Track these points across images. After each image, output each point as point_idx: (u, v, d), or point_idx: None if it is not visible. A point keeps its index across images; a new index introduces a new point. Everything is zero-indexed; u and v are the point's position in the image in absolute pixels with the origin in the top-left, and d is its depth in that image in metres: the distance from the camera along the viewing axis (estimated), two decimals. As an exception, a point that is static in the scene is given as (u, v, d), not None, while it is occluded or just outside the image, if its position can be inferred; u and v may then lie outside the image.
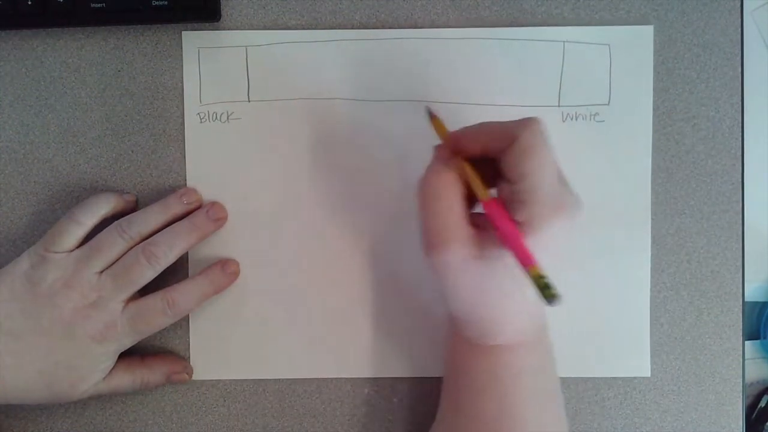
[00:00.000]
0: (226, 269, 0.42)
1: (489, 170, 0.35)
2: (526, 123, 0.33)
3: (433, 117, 0.38)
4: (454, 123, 0.43)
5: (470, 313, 0.36)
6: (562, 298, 0.31)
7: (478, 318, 0.36)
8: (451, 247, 0.34)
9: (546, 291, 0.31)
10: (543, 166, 0.33)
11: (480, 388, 0.37)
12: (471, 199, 0.36)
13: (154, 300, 0.40)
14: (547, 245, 0.33)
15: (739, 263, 0.44)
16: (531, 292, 0.33)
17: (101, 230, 0.40)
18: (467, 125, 0.36)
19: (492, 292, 0.35)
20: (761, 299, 0.57)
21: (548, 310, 0.34)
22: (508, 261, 0.33)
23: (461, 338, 0.37)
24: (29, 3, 0.41)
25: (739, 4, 0.44)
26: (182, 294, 0.40)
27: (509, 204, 0.34)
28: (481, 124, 0.35)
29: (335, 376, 0.44)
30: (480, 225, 0.35)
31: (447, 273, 0.35)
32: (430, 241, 0.35)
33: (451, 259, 0.34)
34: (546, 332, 0.38)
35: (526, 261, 0.32)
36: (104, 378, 0.40)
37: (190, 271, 0.44)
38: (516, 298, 0.35)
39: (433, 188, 0.35)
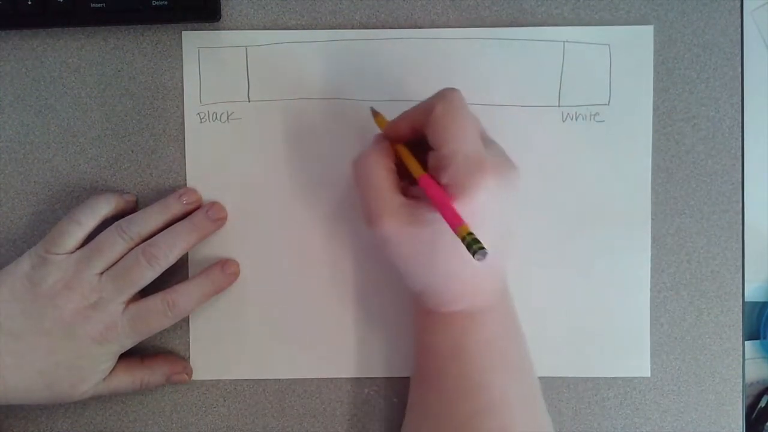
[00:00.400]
0: (226, 269, 0.42)
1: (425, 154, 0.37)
2: (442, 94, 0.36)
3: (375, 115, 0.41)
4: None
5: (421, 283, 0.37)
6: (487, 253, 0.31)
7: (429, 286, 0.37)
8: (385, 218, 0.35)
9: (472, 245, 0.32)
10: (459, 131, 0.34)
11: (442, 359, 0.37)
12: (411, 178, 0.37)
13: (155, 301, 0.40)
14: (478, 205, 0.34)
15: (739, 263, 0.44)
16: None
17: (102, 231, 0.40)
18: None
19: (436, 258, 0.35)
20: (761, 299, 0.57)
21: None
22: (445, 229, 0.34)
23: (423, 311, 0.38)
24: (29, 3, 0.41)
25: (739, 4, 0.44)
26: (182, 295, 0.40)
27: (436, 171, 0.35)
28: (407, 110, 0.37)
29: (335, 376, 0.44)
30: (419, 197, 0.36)
31: (388, 244, 0.36)
32: (367, 216, 0.36)
33: (388, 228, 0.35)
34: (508, 300, 0.39)
35: (453, 221, 0.33)
36: (104, 378, 0.40)
37: (190, 272, 0.44)
38: (461, 263, 0.35)
39: (362, 167, 0.37)
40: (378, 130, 0.40)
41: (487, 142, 0.36)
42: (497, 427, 0.36)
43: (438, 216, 0.34)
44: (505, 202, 0.36)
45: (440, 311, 0.37)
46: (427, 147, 0.36)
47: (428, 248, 0.35)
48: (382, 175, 0.36)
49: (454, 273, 0.36)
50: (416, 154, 0.37)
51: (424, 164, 0.36)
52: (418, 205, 0.36)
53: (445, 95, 0.35)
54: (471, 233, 0.32)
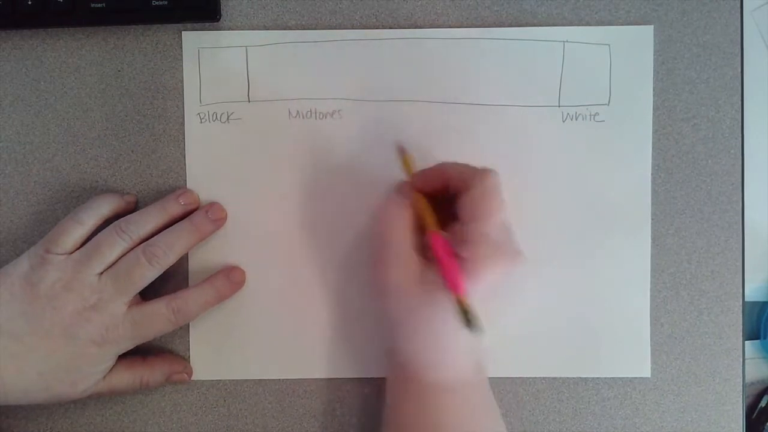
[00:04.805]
0: (232, 278, 0.43)
1: (445, 209, 0.38)
2: (483, 175, 0.36)
3: (403, 153, 0.40)
4: (454, 123, 0.44)
5: (406, 341, 0.37)
6: (482, 331, 0.33)
7: (413, 347, 0.37)
8: (392, 270, 0.37)
9: (467, 316, 0.33)
10: (491, 216, 0.36)
11: (411, 427, 0.37)
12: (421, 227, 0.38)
13: (159, 306, 0.40)
14: (486, 285, 0.35)
15: (739, 263, 0.44)
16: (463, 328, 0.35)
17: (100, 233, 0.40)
18: (432, 165, 0.39)
19: (429, 322, 0.36)
20: (761, 299, 0.57)
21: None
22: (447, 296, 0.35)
23: (400, 379, 0.38)
24: (29, 3, 0.41)
25: (739, 4, 0.44)
26: (187, 301, 0.40)
27: (458, 242, 0.36)
28: (443, 166, 0.38)
29: (335, 376, 0.44)
30: (427, 256, 0.37)
31: (387, 296, 0.37)
32: (376, 261, 0.38)
33: (392, 281, 0.37)
34: (483, 373, 0.39)
35: (455, 287, 0.34)
36: (104, 377, 0.40)
37: (190, 273, 0.44)
38: (451, 333, 0.36)
39: (387, 214, 0.38)
40: (400, 166, 0.40)
41: (507, 228, 0.37)
42: None
43: (440, 282, 0.35)
44: (506, 284, 0.36)
45: (417, 377, 0.37)
46: (445, 201, 0.37)
47: (424, 311, 0.36)
48: (401, 228, 0.37)
49: (441, 340, 0.36)
50: (432, 202, 0.38)
51: (437, 214, 0.37)
52: (426, 266, 0.37)
53: (486, 177, 0.36)
54: (467, 304, 0.33)
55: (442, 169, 0.38)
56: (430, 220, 0.37)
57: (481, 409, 0.38)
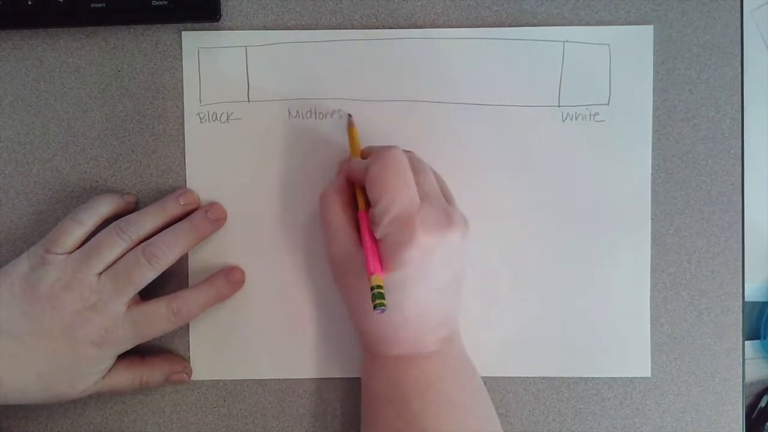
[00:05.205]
0: (231, 278, 0.43)
1: None
2: (377, 154, 0.37)
3: (350, 126, 0.42)
4: (454, 123, 0.44)
5: (362, 321, 0.38)
6: (385, 310, 0.33)
7: (370, 326, 0.38)
8: (331, 249, 0.38)
9: (374, 299, 0.33)
10: (388, 192, 0.35)
11: (381, 401, 0.38)
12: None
13: (158, 306, 0.40)
14: (409, 262, 0.35)
15: (739, 263, 0.44)
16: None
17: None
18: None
19: (367, 300, 0.35)
20: (761, 299, 0.57)
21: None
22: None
23: (367, 352, 0.39)
24: (29, 3, 0.41)
25: (739, 4, 0.44)
26: (186, 302, 0.40)
27: (372, 226, 0.36)
28: (355, 163, 0.39)
29: (335, 376, 0.44)
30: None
31: (337, 277, 0.39)
32: (326, 247, 0.39)
33: (336, 261, 0.38)
34: (455, 343, 0.39)
35: (370, 268, 0.35)
36: (103, 377, 0.40)
37: (190, 273, 0.44)
38: (396, 310, 0.36)
39: (323, 203, 0.39)
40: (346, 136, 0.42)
41: (430, 196, 0.37)
42: None
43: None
44: (444, 256, 0.36)
45: (377, 353, 0.38)
46: None
47: (363, 289, 0.35)
48: (338, 212, 0.38)
49: (394, 317, 0.36)
50: None
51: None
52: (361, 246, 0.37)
53: (379, 156, 0.36)
54: (380, 286, 0.33)
55: (354, 165, 0.39)
56: (360, 200, 0.38)
57: (451, 378, 0.38)
